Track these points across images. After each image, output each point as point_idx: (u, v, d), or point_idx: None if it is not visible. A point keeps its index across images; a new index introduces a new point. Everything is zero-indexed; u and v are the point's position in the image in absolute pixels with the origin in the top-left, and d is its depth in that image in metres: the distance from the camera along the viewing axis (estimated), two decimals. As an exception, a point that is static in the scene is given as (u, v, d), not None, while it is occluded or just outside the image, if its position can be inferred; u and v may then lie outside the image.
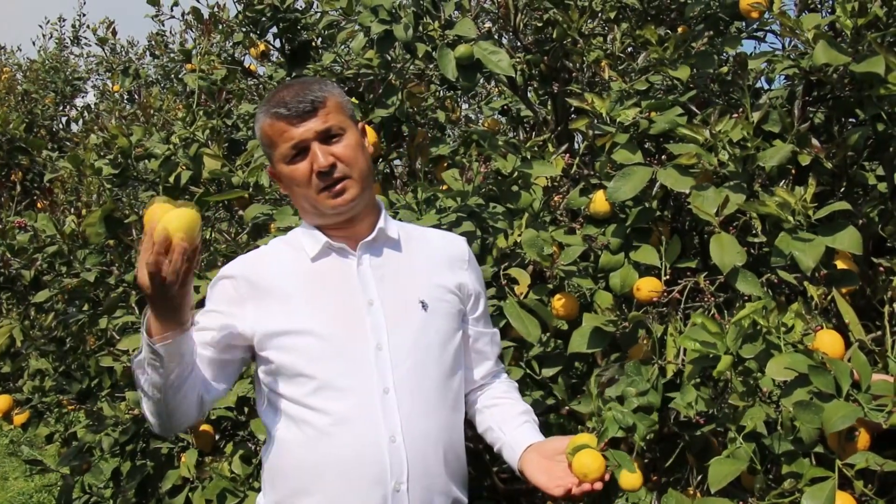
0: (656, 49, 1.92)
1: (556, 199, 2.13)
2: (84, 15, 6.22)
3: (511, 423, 1.54)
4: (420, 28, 2.11)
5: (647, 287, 1.71)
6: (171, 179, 2.39)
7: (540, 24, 2.44)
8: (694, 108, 1.95)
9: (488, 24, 2.65)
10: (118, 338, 2.33)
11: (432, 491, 1.41)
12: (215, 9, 3.20)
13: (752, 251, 1.82)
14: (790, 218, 1.57)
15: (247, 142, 2.74)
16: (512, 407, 1.58)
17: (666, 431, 1.81)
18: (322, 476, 1.37)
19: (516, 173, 2.01)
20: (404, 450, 1.37)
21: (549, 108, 2.60)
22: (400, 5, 2.11)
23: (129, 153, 2.42)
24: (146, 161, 2.45)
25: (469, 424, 1.59)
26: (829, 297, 1.58)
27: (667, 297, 1.70)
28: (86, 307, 2.54)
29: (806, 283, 1.59)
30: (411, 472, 1.37)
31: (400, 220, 1.73)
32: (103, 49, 5.51)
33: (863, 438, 1.29)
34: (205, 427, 2.19)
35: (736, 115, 1.73)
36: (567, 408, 2.01)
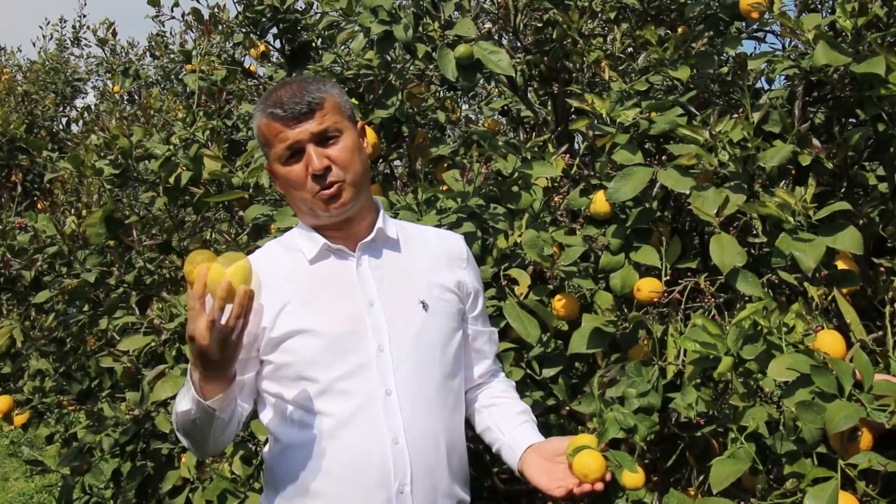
0: (656, 49, 1.91)
1: (556, 199, 2.13)
2: (84, 16, 6.22)
3: (510, 424, 1.53)
4: (420, 28, 2.11)
5: (648, 288, 1.71)
6: (172, 180, 2.39)
7: (540, 25, 2.44)
8: (694, 109, 1.95)
9: (488, 25, 2.64)
10: (118, 338, 2.32)
11: (436, 492, 1.40)
12: (215, 9, 3.20)
13: (753, 252, 1.82)
14: (790, 218, 1.57)
15: (247, 142, 2.74)
16: (510, 407, 1.57)
17: (666, 432, 1.81)
18: (326, 478, 1.36)
19: (516, 174, 2.01)
20: (407, 451, 1.36)
21: (550, 108, 2.60)
22: (400, 6, 2.11)
23: (129, 154, 2.42)
24: (146, 162, 2.45)
25: (468, 424, 1.59)
26: (830, 298, 1.58)
27: (667, 297, 1.70)
28: (86, 308, 2.54)
29: (806, 284, 1.59)
30: (415, 473, 1.37)
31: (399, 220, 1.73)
32: (103, 50, 5.51)
33: (865, 438, 1.29)
34: (205, 428, 2.19)
35: (736, 116, 1.72)
36: (567, 408, 2.01)
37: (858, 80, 1.73)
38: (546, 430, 1.61)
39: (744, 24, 2.12)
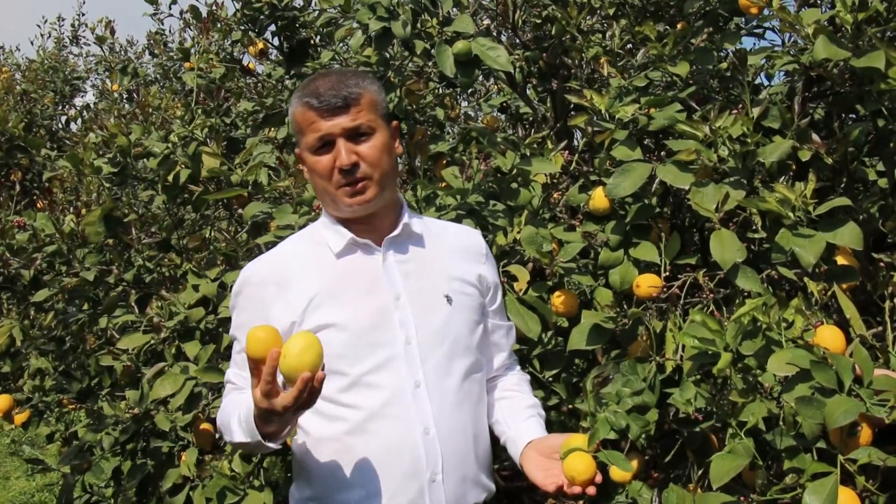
0: (655, 45, 1.91)
1: (555, 195, 2.13)
2: (83, 14, 6.21)
3: (516, 418, 1.55)
4: (418, 25, 2.10)
5: (647, 283, 1.71)
6: (170, 178, 2.39)
7: (539, 21, 2.43)
8: (693, 105, 1.95)
9: (486, 21, 2.64)
10: (118, 337, 2.32)
11: (465, 480, 1.44)
12: (213, 7, 3.19)
13: (752, 247, 1.81)
14: (790, 214, 1.57)
15: (245, 140, 2.74)
16: (520, 400, 1.59)
17: (666, 428, 1.81)
18: (358, 470, 1.39)
19: (515, 170, 2.01)
20: (438, 441, 1.40)
21: (548, 104, 2.60)
22: (398, 2, 2.10)
23: (128, 152, 2.42)
24: (145, 160, 2.45)
25: None
26: (830, 293, 1.58)
27: (666, 293, 1.70)
28: (85, 306, 2.54)
29: (806, 279, 1.59)
30: (446, 462, 1.40)
31: None
32: (102, 48, 5.50)
33: (865, 434, 1.28)
34: (205, 426, 2.19)
35: (735, 111, 1.72)
36: (569, 406, 2.01)
37: (858, 74, 1.72)
38: (547, 426, 1.62)
39: (743, 19, 2.12)
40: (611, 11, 2.21)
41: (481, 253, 1.59)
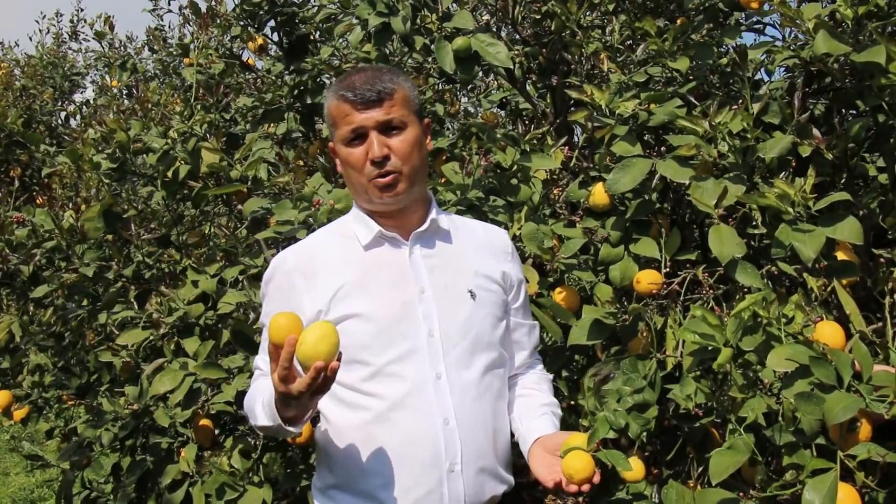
0: (655, 41, 1.91)
1: (555, 191, 2.13)
2: (82, 10, 6.19)
3: (530, 415, 1.57)
4: (418, 20, 2.10)
5: (647, 279, 1.71)
6: (170, 174, 2.38)
7: (538, 16, 2.43)
8: (693, 100, 1.94)
9: (486, 17, 2.63)
10: (117, 333, 2.32)
11: (484, 472, 1.46)
12: (213, 3, 3.19)
13: (752, 243, 1.81)
14: (790, 209, 1.57)
15: (245, 136, 2.73)
16: (537, 398, 1.61)
17: (666, 424, 1.81)
18: (381, 459, 1.41)
19: (515, 166, 2.01)
20: (458, 432, 1.42)
21: (548, 100, 2.60)
22: (398, -2, 2.10)
23: (127, 148, 2.41)
24: (144, 155, 2.44)
25: None
26: (830, 289, 1.58)
27: (666, 289, 1.69)
28: (85, 302, 2.53)
29: (806, 275, 1.58)
30: (465, 453, 1.42)
31: None
32: (101, 44, 5.49)
33: (864, 429, 1.29)
34: (204, 422, 2.19)
35: (735, 107, 1.72)
36: (569, 402, 2.01)
37: (858, 69, 1.72)
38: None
39: (743, 14, 2.11)
40: (611, 7, 2.21)
41: (507, 251, 1.61)
